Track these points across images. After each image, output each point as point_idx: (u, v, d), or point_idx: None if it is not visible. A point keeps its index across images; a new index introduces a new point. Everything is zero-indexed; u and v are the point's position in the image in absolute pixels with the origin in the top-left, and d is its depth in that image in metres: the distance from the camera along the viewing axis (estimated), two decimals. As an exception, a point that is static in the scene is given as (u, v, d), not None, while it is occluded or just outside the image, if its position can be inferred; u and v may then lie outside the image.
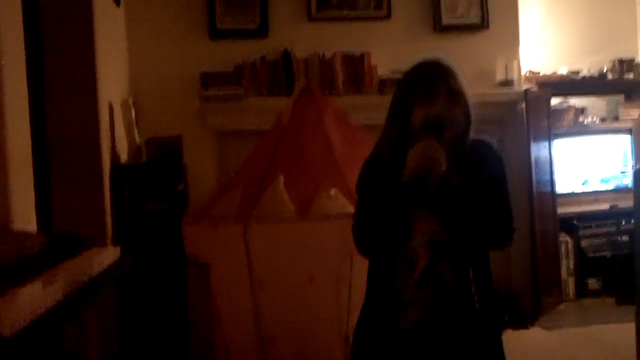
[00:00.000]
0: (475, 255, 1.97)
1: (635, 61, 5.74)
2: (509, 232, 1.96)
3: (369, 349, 2.00)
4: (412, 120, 1.92)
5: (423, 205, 1.89)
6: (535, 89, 5.39)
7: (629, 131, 5.69)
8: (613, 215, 5.49)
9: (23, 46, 2.60)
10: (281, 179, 3.46)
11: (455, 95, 1.93)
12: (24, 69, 2.60)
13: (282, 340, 3.42)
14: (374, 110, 5.08)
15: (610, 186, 5.65)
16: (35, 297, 1.45)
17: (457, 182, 1.90)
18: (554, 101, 5.58)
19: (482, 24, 5.44)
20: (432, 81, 1.93)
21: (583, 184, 5.64)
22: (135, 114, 4.46)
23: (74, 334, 2.14)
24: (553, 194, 5.39)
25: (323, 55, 5.12)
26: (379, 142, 2.05)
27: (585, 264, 5.48)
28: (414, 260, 1.91)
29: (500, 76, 5.42)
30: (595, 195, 5.62)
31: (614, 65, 5.67)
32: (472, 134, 1.99)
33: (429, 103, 1.89)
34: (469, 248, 1.94)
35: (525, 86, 5.42)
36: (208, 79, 4.91)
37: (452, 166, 1.88)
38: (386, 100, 5.56)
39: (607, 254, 5.45)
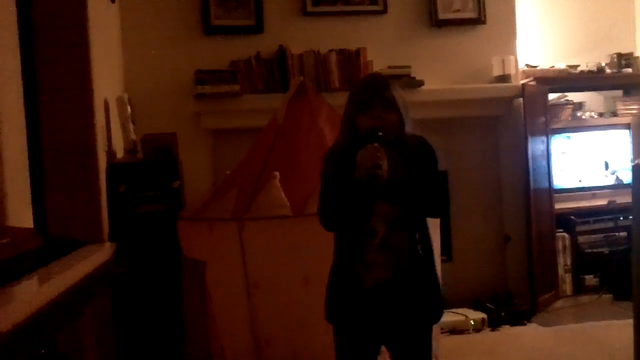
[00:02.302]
0: (419, 224, 2.46)
1: (634, 56, 5.72)
2: (446, 205, 2.55)
3: (340, 304, 2.47)
4: (357, 125, 2.42)
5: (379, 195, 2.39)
6: (532, 84, 5.37)
7: (627, 126, 5.68)
8: (610, 211, 5.48)
9: (17, 42, 2.58)
10: (277, 177, 3.44)
11: (388, 104, 2.41)
12: (18, 65, 2.58)
13: (278, 341, 3.40)
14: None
15: (607, 182, 5.65)
16: (31, 294, 1.43)
17: (403, 174, 2.39)
18: (552, 96, 5.57)
19: (479, 19, 5.43)
20: (369, 93, 2.44)
21: (580, 180, 5.63)
22: (131, 111, 4.44)
23: (69, 334, 2.12)
24: (550, 190, 5.39)
25: (318, 51, 5.10)
26: (337, 141, 2.60)
27: (582, 261, 5.47)
28: (374, 232, 2.39)
29: (497, 71, 5.41)
30: (593, 191, 5.62)
31: (612, 60, 5.65)
32: (409, 131, 2.47)
33: (367, 112, 2.40)
34: (416, 220, 2.44)
35: (522, 81, 5.41)
36: (203, 76, 4.88)
37: (397, 161, 2.37)
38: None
39: (605, 250, 5.44)
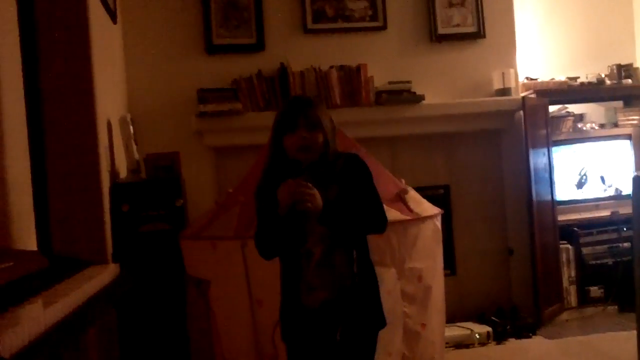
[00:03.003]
0: (357, 242, 2.46)
1: (634, 67, 5.74)
2: (383, 221, 2.46)
3: (288, 325, 2.53)
4: (284, 147, 2.44)
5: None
6: (533, 96, 5.40)
7: (629, 137, 5.69)
8: (614, 222, 5.47)
9: (20, 63, 2.60)
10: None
11: (313, 124, 2.42)
12: (21, 87, 2.60)
13: (281, 358, 3.40)
14: (370, 122, 5.13)
15: (610, 193, 5.65)
16: (35, 317, 1.44)
17: (334, 195, 2.39)
18: (552, 108, 5.59)
19: (478, 33, 5.46)
20: (294, 114, 2.44)
21: (582, 191, 5.63)
22: (134, 131, 4.46)
23: (74, 356, 2.12)
24: (553, 202, 5.39)
25: (319, 68, 5.13)
26: (264, 168, 2.57)
27: (586, 272, 5.47)
28: (310, 254, 2.42)
29: (497, 85, 5.43)
30: (596, 202, 5.62)
31: (612, 71, 5.68)
32: (337, 150, 2.50)
33: (293, 132, 2.41)
34: (352, 238, 2.44)
35: (522, 94, 5.43)
36: (205, 95, 4.91)
37: (327, 181, 2.40)
38: (383, 112, 5.60)
39: (609, 261, 5.44)
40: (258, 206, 2.52)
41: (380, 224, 2.47)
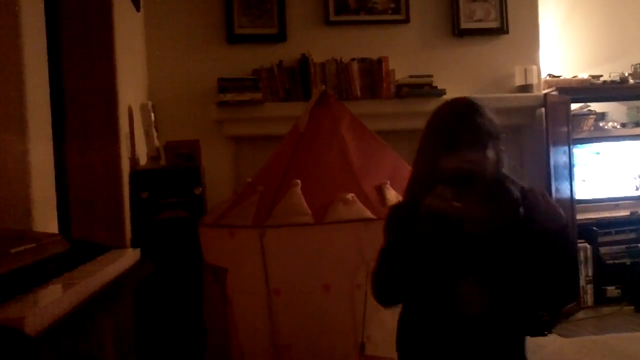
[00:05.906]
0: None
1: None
2: (571, 292, 1.82)
3: None
4: (439, 168, 1.82)
5: (467, 273, 1.81)
6: (555, 93, 5.36)
7: (650, 137, 5.65)
8: (633, 222, 5.45)
9: (44, 49, 2.62)
10: (298, 185, 3.45)
11: (481, 143, 1.83)
12: (45, 73, 2.62)
13: (297, 348, 3.41)
14: (391, 115, 5.12)
15: (630, 193, 5.61)
16: (56, 299, 1.46)
17: (505, 251, 1.79)
18: (574, 106, 5.55)
19: (502, 29, 5.43)
20: (456, 129, 1.84)
21: (602, 190, 5.60)
22: (155, 118, 4.49)
23: (92, 339, 2.14)
24: (572, 201, 5.35)
25: (340, 60, 5.13)
26: (408, 189, 1.97)
27: (603, 272, 5.44)
28: (465, 317, 1.81)
29: (519, 81, 5.40)
30: (615, 201, 5.58)
31: (635, 70, 5.63)
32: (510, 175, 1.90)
33: (454, 153, 1.80)
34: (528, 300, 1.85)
35: (544, 91, 5.40)
36: (225, 84, 4.92)
37: (497, 221, 1.81)
38: (403, 105, 5.54)
39: (627, 261, 5.41)
40: (388, 233, 1.90)
41: (564, 296, 1.87)
